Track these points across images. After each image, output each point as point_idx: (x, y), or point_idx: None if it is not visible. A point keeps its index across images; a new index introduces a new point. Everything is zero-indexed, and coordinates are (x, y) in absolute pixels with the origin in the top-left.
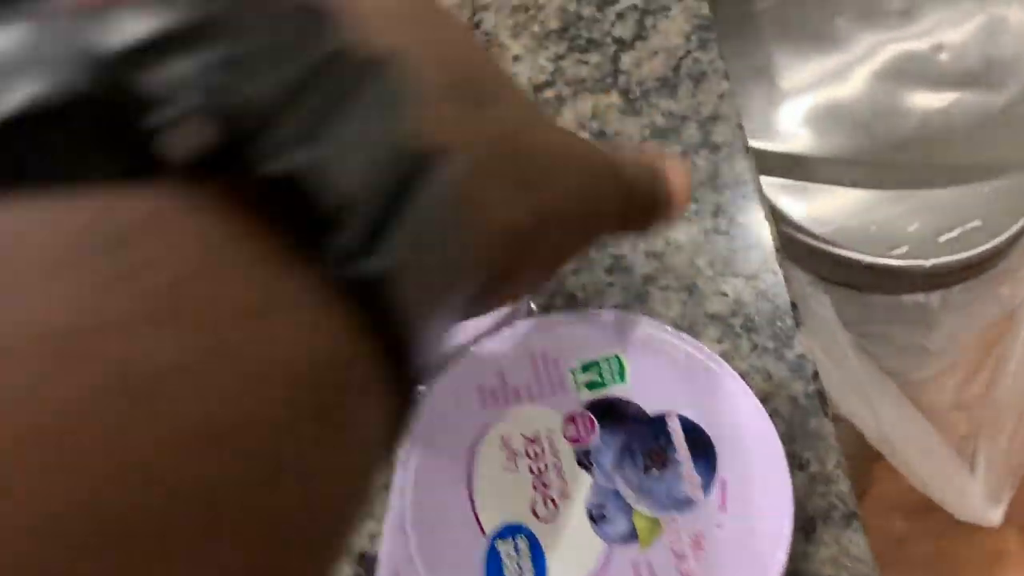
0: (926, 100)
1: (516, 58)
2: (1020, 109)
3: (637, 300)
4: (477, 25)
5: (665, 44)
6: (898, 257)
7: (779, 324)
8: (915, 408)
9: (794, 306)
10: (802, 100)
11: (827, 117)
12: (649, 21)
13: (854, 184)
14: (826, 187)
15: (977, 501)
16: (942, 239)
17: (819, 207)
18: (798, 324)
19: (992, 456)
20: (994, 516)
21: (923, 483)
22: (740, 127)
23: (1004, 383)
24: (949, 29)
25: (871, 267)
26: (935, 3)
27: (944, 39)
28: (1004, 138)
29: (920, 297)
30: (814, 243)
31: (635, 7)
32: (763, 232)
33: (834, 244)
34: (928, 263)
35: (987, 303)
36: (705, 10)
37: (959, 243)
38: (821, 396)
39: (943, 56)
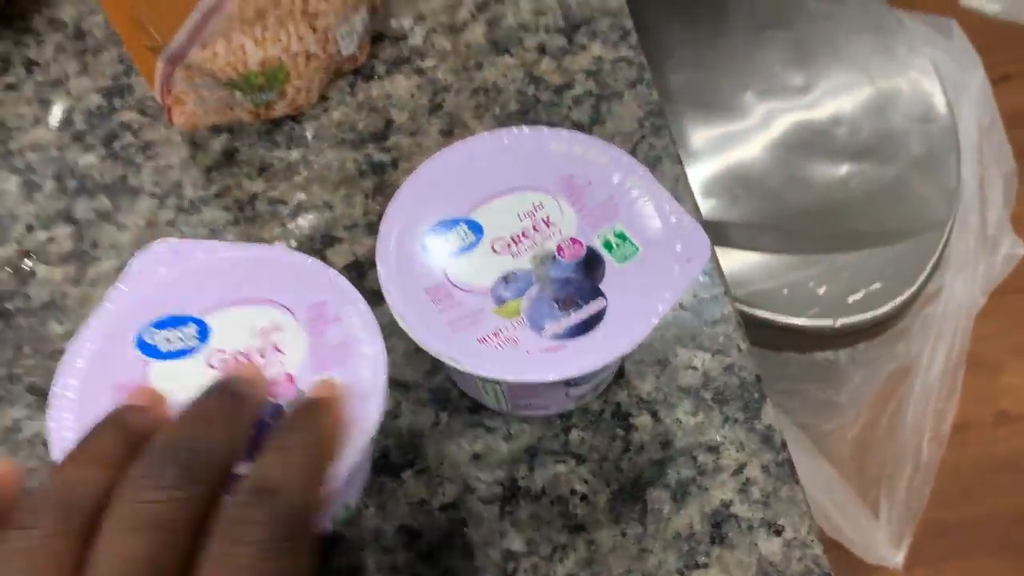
0: (828, 171)
1: None
2: (909, 180)
3: (615, 376)
4: (439, 106)
5: (621, 128)
6: (810, 317)
7: (747, 396)
8: (825, 459)
9: (758, 379)
10: (715, 169)
11: (738, 186)
12: (604, 107)
13: (767, 249)
14: (741, 251)
15: (882, 545)
16: (849, 300)
17: (735, 270)
18: (764, 396)
19: (893, 502)
20: (897, 559)
21: (835, 529)
22: (697, 208)
23: (901, 433)
24: (844, 103)
25: (785, 327)
26: (830, 79)
27: (840, 113)
28: (896, 208)
29: (830, 354)
30: None
31: (590, 92)
32: (727, 308)
33: (750, 305)
34: (837, 323)
35: (887, 359)
36: (655, 96)
37: (864, 304)
38: (790, 464)
39: (840, 130)
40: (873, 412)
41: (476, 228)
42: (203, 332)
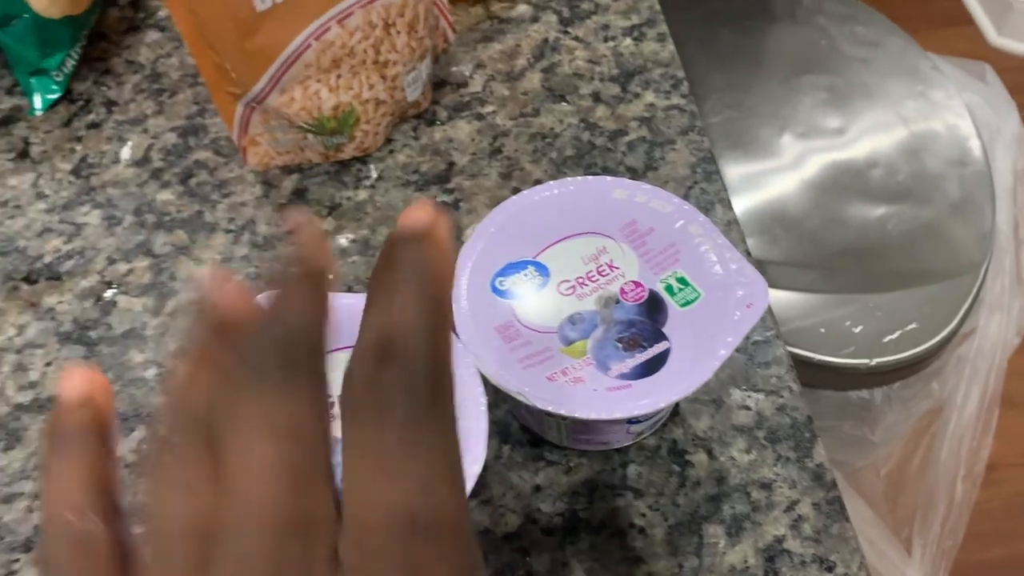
0: (864, 212)
1: (538, 181)
2: (945, 223)
3: (671, 415)
4: (499, 150)
5: (674, 174)
6: (846, 356)
7: (798, 436)
8: (859, 497)
9: (810, 419)
10: (753, 210)
11: (776, 225)
12: (657, 153)
13: (804, 288)
14: (778, 290)
15: None
16: (885, 340)
17: (773, 309)
18: (815, 436)
19: (926, 540)
20: None
21: (868, 566)
22: (748, 253)
23: (934, 472)
24: (880, 146)
25: (821, 365)
26: (866, 122)
27: (876, 156)
28: (932, 250)
29: (865, 393)
30: None
31: (644, 139)
32: (779, 351)
33: (786, 343)
34: (872, 362)
35: (922, 398)
36: (707, 143)
37: (899, 344)
38: (840, 502)
39: (876, 172)
40: (906, 450)
41: (543, 270)
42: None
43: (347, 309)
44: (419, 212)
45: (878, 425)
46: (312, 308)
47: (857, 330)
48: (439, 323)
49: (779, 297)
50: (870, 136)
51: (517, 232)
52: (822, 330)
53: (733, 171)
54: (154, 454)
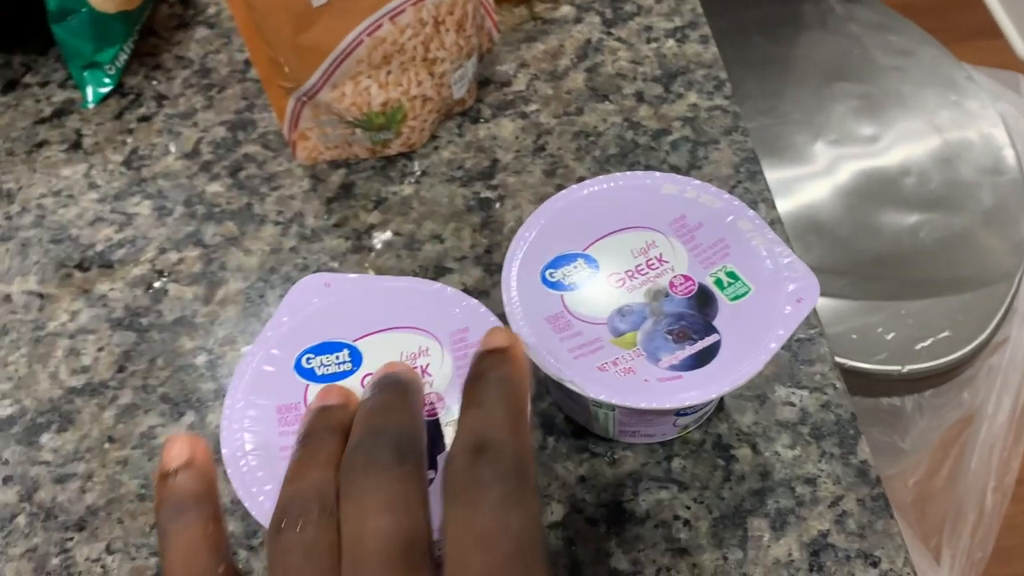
0: (897, 219)
1: (581, 179)
2: (978, 231)
3: (716, 409)
4: (543, 148)
5: (717, 173)
6: (877, 363)
7: (843, 432)
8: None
9: (854, 416)
10: (785, 216)
11: (809, 232)
12: (701, 152)
13: (837, 294)
14: None
15: None
16: (917, 347)
17: None
18: (859, 433)
19: (955, 550)
20: None
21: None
22: (792, 250)
23: (964, 480)
24: (913, 154)
25: (852, 371)
26: (899, 130)
27: (909, 164)
28: (965, 258)
29: (896, 400)
30: None
31: (687, 139)
32: (823, 348)
33: None
34: (904, 369)
35: (953, 407)
36: (750, 144)
37: (931, 352)
38: (885, 499)
39: (909, 180)
40: (935, 459)
41: (592, 263)
42: (355, 357)
43: (388, 292)
44: (499, 336)
45: (908, 433)
46: (415, 417)
47: (889, 337)
48: (521, 425)
49: None
50: (903, 144)
51: (567, 225)
52: (854, 336)
53: (767, 178)
54: (282, 525)
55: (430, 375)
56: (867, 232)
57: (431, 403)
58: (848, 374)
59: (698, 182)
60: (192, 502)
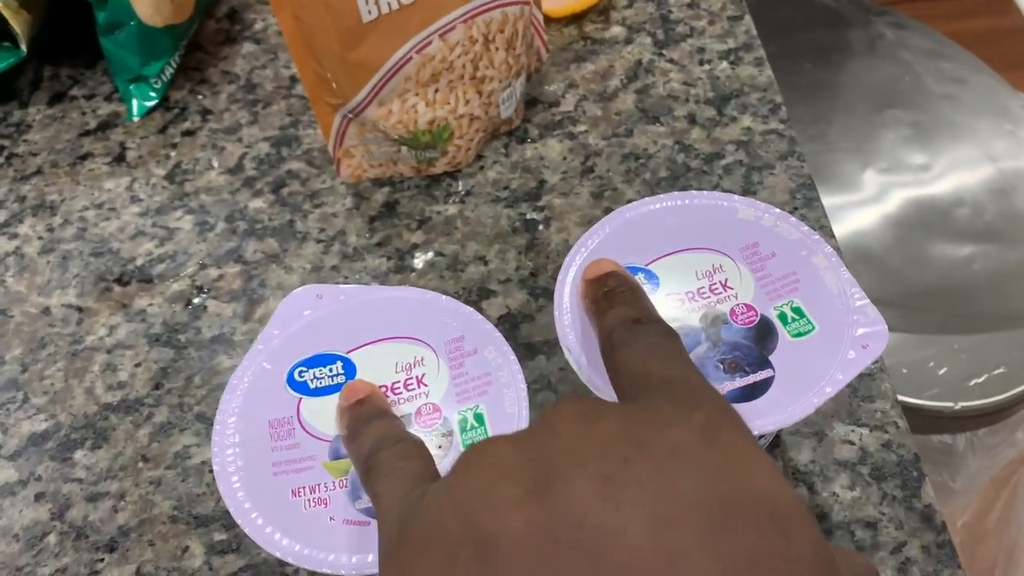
0: (949, 251)
1: (630, 202)
2: None
3: (770, 445)
4: (591, 170)
5: (772, 199)
6: (928, 398)
7: (905, 474)
8: None
9: (917, 457)
10: (833, 245)
11: (858, 262)
12: (755, 177)
13: (887, 328)
14: None
15: None
16: (971, 383)
17: None
18: (923, 476)
19: None
20: None
21: None
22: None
23: (1017, 524)
24: (966, 184)
25: (903, 406)
26: (951, 159)
27: (962, 194)
28: (1021, 292)
29: (947, 438)
30: None
31: (741, 163)
32: (884, 385)
33: None
34: (957, 406)
35: (1007, 446)
36: (807, 170)
37: (985, 388)
38: (952, 547)
39: (962, 211)
40: (985, 500)
41: (653, 279)
42: (349, 369)
43: (381, 302)
44: (601, 263)
45: (960, 472)
46: (385, 404)
47: (941, 372)
48: (654, 313)
49: None
50: (956, 174)
51: (632, 238)
52: (904, 370)
53: None
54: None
55: (426, 385)
56: (918, 263)
57: (427, 412)
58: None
59: (777, 210)
60: (382, 411)
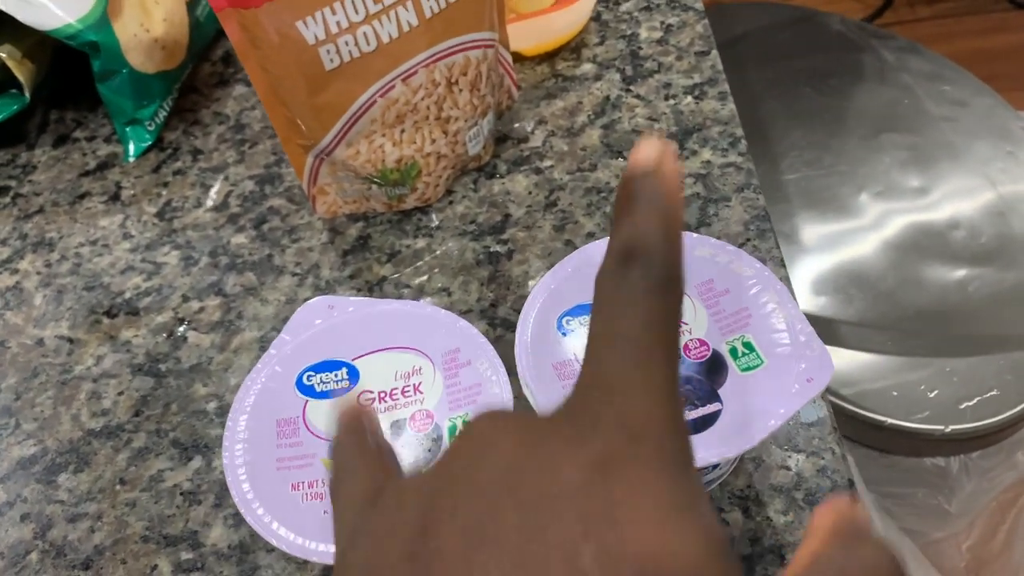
0: (944, 274)
1: (590, 234)
2: None
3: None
4: (554, 203)
5: (727, 231)
6: (919, 421)
7: None
8: (935, 569)
9: (851, 483)
10: (827, 268)
11: (851, 285)
12: (711, 209)
13: (878, 350)
14: (851, 351)
15: None
16: (962, 406)
17: (844, 369)
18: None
19: None
20: None
21: None
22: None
23: (1021, 546)
24: (963, 207)
25: (893, 429)
26: (949, 182)
27: (959, 217)
28: (1015, 315)
29: (940, 461)
30: (838, 403)
31: (698, 195)
32: (822, 412)
33: (858, 405)
34: (948, 428)
35: (1004, 468)
36: (762, 201)
37: (977, 411)
38: None
39: (958, 234)
40: (991, 523)
41: None
42: (353, 375)
43: (386, 314)
44: (649, 148)
45: (955, 495)
46: (372, 421)
47: (932, 395)
48: (673, 232)
49: (851, 358)
50: (953, 197)
51: (591, 277)
52: (895, 393)
53: (809, 229)
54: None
55: (422, 392)
56: (912, 286)
57: (421, 419)
58: (889, 432)
59: (733, 248)
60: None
